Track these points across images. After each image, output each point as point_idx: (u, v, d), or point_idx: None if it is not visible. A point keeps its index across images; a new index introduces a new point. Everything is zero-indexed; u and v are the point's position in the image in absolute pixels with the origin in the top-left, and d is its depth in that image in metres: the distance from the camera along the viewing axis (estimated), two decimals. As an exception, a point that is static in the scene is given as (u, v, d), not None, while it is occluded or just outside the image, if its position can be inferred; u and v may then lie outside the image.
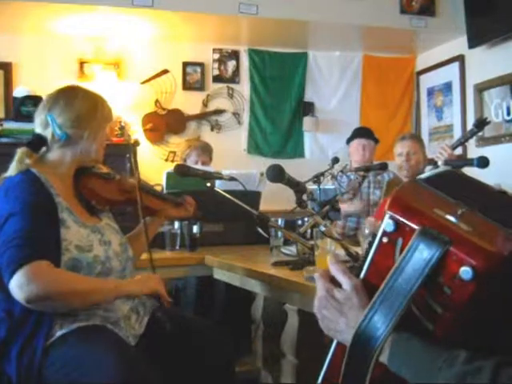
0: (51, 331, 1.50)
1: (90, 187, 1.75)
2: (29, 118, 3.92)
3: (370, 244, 0.85)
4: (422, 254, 0.76)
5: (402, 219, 0.80)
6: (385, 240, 0.82)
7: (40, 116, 1.69)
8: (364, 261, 0.88)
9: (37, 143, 1.67)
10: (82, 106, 1.69)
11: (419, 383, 0.77)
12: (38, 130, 1.70)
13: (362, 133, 3.96)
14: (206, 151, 3.84)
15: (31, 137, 1.69)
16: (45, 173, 1.62)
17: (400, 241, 0.81)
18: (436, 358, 0.76)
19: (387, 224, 0.81)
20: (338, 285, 0.91)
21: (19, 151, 1.63)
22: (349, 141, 3.99)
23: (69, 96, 1.71)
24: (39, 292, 1.40)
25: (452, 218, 0.76)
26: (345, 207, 3.62)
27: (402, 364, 0.79)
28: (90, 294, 1.54)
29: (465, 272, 0.72)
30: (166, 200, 2.08)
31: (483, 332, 0.79)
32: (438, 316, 0.78)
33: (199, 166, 3.45)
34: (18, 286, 1.39)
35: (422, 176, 0.90)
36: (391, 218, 0.80)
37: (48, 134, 1.67)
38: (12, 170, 1.61)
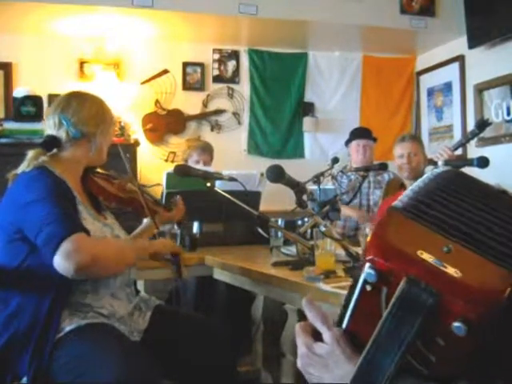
0: (60, 326, 1.53)
1: (97, 183, 1.84)
2: (29, 118, 3.94)
3: (352, 288, 0.78)
4: (410, 308, 0.70)
5: (384, 266, 0.72)
6: (368, 288, 0.75)
7: (52, 118, 1.73)
8: (346, 307, 0.80)
9: (50, 143, 1.71)
10: (92, 107, 1.76)
11: None
12: (50, 131, 1.73)
13: (360, 133, 3.95)
14: (206, 151, 3.84)
15: (44, 138, 1.73)
16: (59, 169, 1.66)
17: (385, 289, 0.73)
18: None
19: (368, 274, 0.73)
20: (318, 334, 0.84)
21: (33, 151, 1.67)
22: (347, 142, 3.99)
23: (79, 98, 1.78)
24: (88, 258, 1.44)
25: (438, 262, 0.70)
26: (346, 212, 3.62)
27: None
28: (127, 252, 1.65)
29: (457, 328, 0.67)
30: (160, 204, 2.15)
31: (479, 368, 0.74)
32: (432, 363, 0.73)
33: (201, 166, 3.46)
34: (66, 256, 1.42)
35: (404, 202, 0.77)
36: (372, 267, 0.73)
37: (62, 133, 1.71)
38: (25, 166, 1.64)
